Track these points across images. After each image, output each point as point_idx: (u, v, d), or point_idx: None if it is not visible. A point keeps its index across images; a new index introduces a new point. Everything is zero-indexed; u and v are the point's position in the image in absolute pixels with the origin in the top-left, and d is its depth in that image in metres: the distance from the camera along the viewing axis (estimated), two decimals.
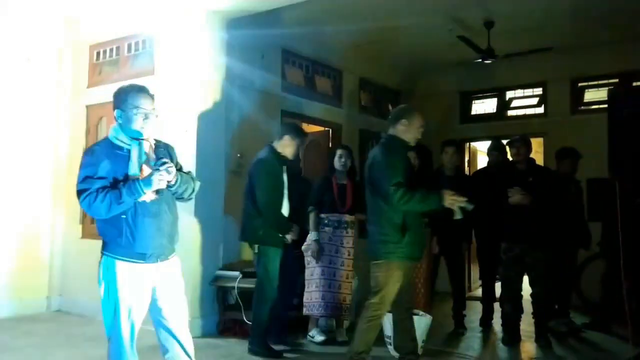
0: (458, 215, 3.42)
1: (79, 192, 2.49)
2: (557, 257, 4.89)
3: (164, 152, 2.68)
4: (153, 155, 2.62)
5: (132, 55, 5.59)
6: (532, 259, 4.50)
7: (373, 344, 3.60)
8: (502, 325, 4.81)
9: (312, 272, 4.68)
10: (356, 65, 7.15)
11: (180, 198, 2.74)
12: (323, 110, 6.64)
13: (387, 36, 6.54)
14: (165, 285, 2.66)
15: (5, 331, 4.88)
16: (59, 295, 5.88)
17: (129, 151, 2.56)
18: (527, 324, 4.75)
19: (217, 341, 4.64)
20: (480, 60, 6.44)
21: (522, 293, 4.68)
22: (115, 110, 2.60)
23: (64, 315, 5.68)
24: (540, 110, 7.49)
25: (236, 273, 4.80)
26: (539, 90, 7.51)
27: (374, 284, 3.52)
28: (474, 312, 5.49)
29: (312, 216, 4.69)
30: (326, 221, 4.74)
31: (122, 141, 2.58)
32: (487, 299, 5.34)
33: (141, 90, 2.64)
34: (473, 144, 8.14)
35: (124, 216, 2.51)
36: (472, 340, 4.89)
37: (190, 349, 2.75)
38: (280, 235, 4.28)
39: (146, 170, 2.53)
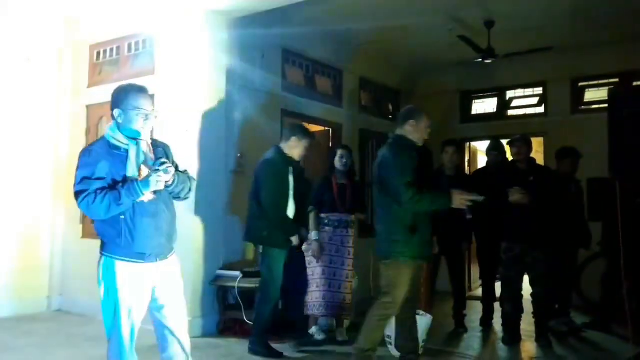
0: (467, 215, 3.45)
1: (77, 193, 2.47)
2: (558, 256, 4.89)
3: (162, 152, 2.68)
4: (151, 155, 2.61)
5: (133, 55, 5.59)
6: (533, 259, 4.50)
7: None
8: (502, 325, 4.81)
9: (313, 271, 4.68)
10: (356, 65, 7.15)
11: (177, 197, 2.74)
12: (323, 110, 6.64)
13: (388, 36, 6.54)
14: (164, 285, 2.66)
15: (6, 331, 4.88)
16: (59, 295, 5.89)
17: (126, 151, 2.55)
18: (527, 324, 4.75)
19: (218, 341, 4.64)
20: (480, 60, 6.44)
21: (523, 293, 4.68)
22: (115, 110, 2.59)
23: (64, 315, 5.68)
24: (541, 110, 7.49)
25: (237, 273, 4.80)
26: (539, 90, 7.51)
27: (385, 283, 3.53)
28: (475, 311, 5.49)
29: (312, 216, 4.69)
30: (326, 221, 4.74)
31: (119, 141, 2.56)
32: (488, 299, 5.34)
33: (141, 90, 2.64)
34: (473, 143, 8.14)
35: (122, 216, 2.50)
36: (473, 340, 4.89)
37: (188, 348, 2.75)
38: (285, 237, 4.25)
39: (144, 171, 2.53)
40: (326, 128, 6.90)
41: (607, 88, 6.73)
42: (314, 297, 4.66)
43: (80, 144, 5.70)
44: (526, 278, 4.68)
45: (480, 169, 6.69)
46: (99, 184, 2.47)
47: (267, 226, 4.19)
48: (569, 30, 6.36)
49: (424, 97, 7.94)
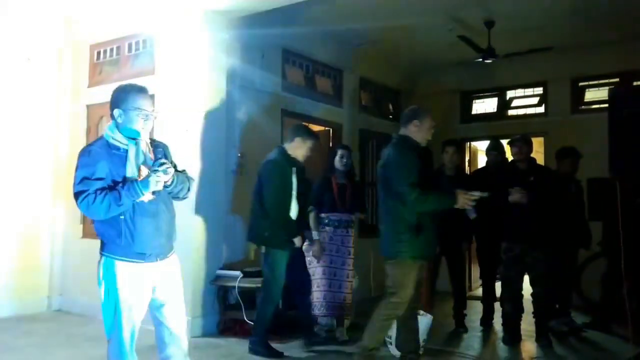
0: (472, 215, 3.48)
1: (77, 194, 2.46)
2: (558, 256, 4.89)
3: (161, 152, 2.67)
4: (151, 155, 2.61)
5: (133, 55, 5.59)
6: (533, 259, 4.50)
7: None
8: (502, 324, 4.81)
9: (313, 272, 4.68)
10: (356, 64, 7.15)
11: (176, 197, 2.73)
12: (323, 110, 6.64)
13: (388, 36, 6.55)
14: (165, 284, 2.66)
15: (6, 331, 4.88)
16: (59, 294, 5.88)
17: (126, 151, 2.55)
18: (527, 324, 4.75)
19: (218, 341, 4.64)
20: (480, 59, 6.44)
21: (523, 292, 4.68)
22: (115, 110, 2.58)
23: (64, 314, 5.68)
24: (541, 109, 7.49)
25: (237, 273, 4.80)
26: (539, 90, 7.51)
27: (391, 283, 3.54)
28: (475, 311, 5.49)
29: (312, 216, 4.69)
30: (326, 221, 4.75)
31: (119, 141, 2.56)
32: (488, 299, 5.34)
33: (142, 90, 2.64)
34: (473, 143, 8.14)
35: (122, 217, 2.50)
36: (473, 340, 4.89)
37: (186, 348, 2.75)
38: (287, 238, 4.24)
39: (144, 171, 2.52)
40: (326, 128, 6.90)
41: (607, 88, 6.74)
42: (315, 297, 4.67)
43: (80, 144, 5.70)
44: (526, 278, 4.67)
45: (479, 168, 6.69)
46: (98, 184, 2.47)
47: (270, 227, 4.18)
48: (569, 30, 6.36)
49: (424, 97, 7.93)
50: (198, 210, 4.83)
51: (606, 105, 4.59)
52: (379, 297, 6.61)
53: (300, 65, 6.44)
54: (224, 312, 4.93)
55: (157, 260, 2.61)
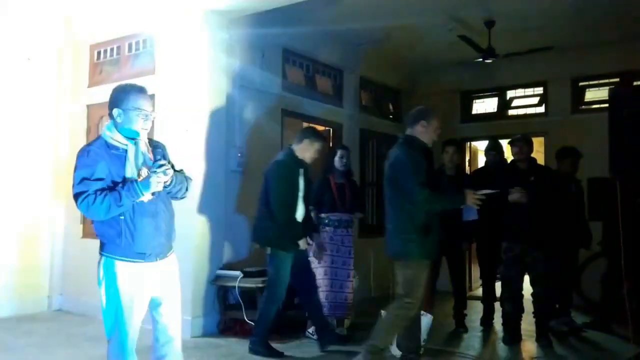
0: (472, 216, 3.52)
1: (77, 195, 2.45)
2: (558, 256, 4.89)
3: (161, 152, 2.67)
4: (150, 156, 2.60)
5: (133, 54, 5.59)
6: (533, 259, 4.50)
7: None
8: (502, 324, 4.81)
9: (315, 272, 4.67)
10: (357, 64, 7.14)
11: (174, 197, 2.73)
12: (323, 109, 6.64)
13: (388, 36, 6.55)
14: (164, 283, 2.67)
15: (6, 330, 4.89)
16: (59, 294, 5.89)
17: (125, 151, 2.54)
18: (527, 324, 4.75)
19: (218, 340, 4.64)
20: (480, 59, 6.44)
21: (523, 292, 4.68)
22: (114, 109, 2.57)
23: (65, 314, 5.68)
24: (541, 109, 7.49)
25: (237, 272, 4.80)
26: (539, 90, 7.51)
27: (403, 284, 3.54)
28: (475, 311, 5.49)
29: (312, 216, 4.69)
30: (326, 221, 4.75)
31: (118, 141, 2.55)
32: (488, 299, 5.34)
33: (141, 91, 2.63)
34: (474, 143, 8.14)
35: (122, 217, 2.49)
36: (473, 340, 4.89)
37: (180, 348, 2.76)
38: (292, 240, 4.23)
39: (144, 172, 2.52)
40: (326, 128, 6.90)
41: (607, 88, 6.74)
42: None
43: (80, 144, 5.65)
44: (526, 278, 4.67)
45: (479, 169, 6.69)
46: (98, 185, 2.46)
47: (275, 228, 4.18)
48: (569, 30, 6.36)
49: (424, 97, 7.93)
50: (198, 210, 4.83)
51: (606, 105, 4.59)
52: (379, 297, 6.66)
53: (300, 65, 6.45)
54: (224, 312, 4.93)
55: (157, 260, 2.61)
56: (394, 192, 3.56)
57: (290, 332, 4.75)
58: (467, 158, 7.97)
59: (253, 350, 4.22)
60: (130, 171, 2.52)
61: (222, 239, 5.06)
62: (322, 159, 5.30)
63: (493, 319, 5.31)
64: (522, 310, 4.68)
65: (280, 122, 5.96)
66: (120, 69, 5.64)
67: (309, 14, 5.66)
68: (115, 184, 2.49)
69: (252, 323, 4.51)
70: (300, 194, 4.30)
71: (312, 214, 4.68)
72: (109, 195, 2.43)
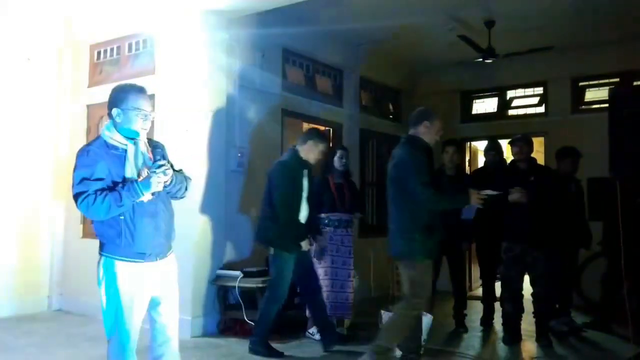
0: (470, 214, 3.56)
1: (77, 195, 2.44)
2: (558, 256, 4.89)
3: (160, 152, 2.66)
4: (150, 155, 2.60)
5: (133, 54, 5.59)
6: (533, 259, 4.49)
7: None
8: (502, 324, 4.81)
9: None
10: (356, 64, 7.14)
11: (174, 196, 2.73)
12: (323, 109, 6.64)
13: (388, 35, 6.55)
14: (163, 283, 2.67)
15: (6, 330, 4.89)
16: (59, 294, 5.89)
17: (124, 151, 2.54)
18: (527, 324, 4.75)
19: (218, 340, 4.64)
20: (480, 59, 6.44)
21: (523, 292, 4.68)
22: (113, 109, 2.56)
23: (65, 314, 5.68)
24: (541, 109, 7.49)
25: (237, 272, 4.80)
26: (539, 90, 7.51)
27: (410, 284, 3.54)
28: (475, 311, 5.49)
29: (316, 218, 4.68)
30: (326, 221, 4.75)
31: (117, 141, 2.54)
32: (488, 299, 5.34)
33: (141, 91, 2.63)
34: (474, 143, 8.14)
35: (122, 217, 2.49)
36: (473, 340, 4.89)
37: (177, 348, 2.76)
38: (295, 241, 4.21)
39: (144, 173, 2.52)
40: (326, 128, 6.90)
41: (607, 88, 6.74)
42: None
43: (80, 144, 5.63)
44: (526, 278, 4.67)
45: (478, 169, 6.69)
46: (98, 185, 2.45)
47: (278, 228, 4.17)
48: (569, 30, 6.36)
49: (424, 97, 7.94)
50: (198, 210, 4.83)
51: (606, 105, 4.59)
52: (379, 297, 6.66)
53: (300, 65, 6.45)
54: (225, 312, 4.93)
55: (156, 260, 2.61)
56: (398, 192, 3.57)
57: (290, 332, 4.74)
58: (467, 158, 7.96)
59: (253, 350, 4.21)
60: (130, 171, 2.52)
61: (222, 238, 5.06)
62: (321, 159, 5.31)
63: (493, 319, 5.31)
64: (522, 310, 4.68)
65: (280, 122, 5.96)
66: (120, 69, 5.64)
67: (309, 14, 5.66)
68: (115, 184, 2.48)
69: (252, 323, 4.51)
70: (304, 194, 4.29)
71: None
72: (109, 195, 2.43)
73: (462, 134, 7.64)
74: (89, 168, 2.47)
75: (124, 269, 2.53)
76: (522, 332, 4.73)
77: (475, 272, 6.63)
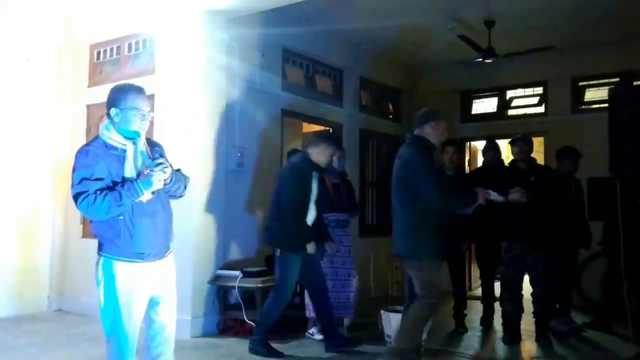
0: (468, 211, 3.61)
1: (77, 195, 2.43)
2: (558, 256, 4.89)
3: (158, 151, 2.66)
4: (149, 155, 2.60)
5: (133, 54, 5.60)
6: (533, 258, 4.49)
7: (372, 343, 3.60)
8: (502, 324, 4.81)
9: None
10: (356, 64, 7.15)
11: (173, 196, 2.73)
12: (323, 109, 6.64)
13: (388, 35, 6.55)
14: (162, 283, 2.66)
15: (6, 330, 4.89)
16: (59, 294, 5.89)
17: (123, 151, 2.53)
18: (527, 323, 4.75)
19: (218, 340, 4.64)
20: (480, 59, 6.44)
21: (523, 292, 4.68)
22: (112, 109, 2.55)
23: (65, 314, 5.68)
24: (541, 109, 7.49)
25: (237, 272, 4.80)
26: (539, 90, 7.52)
27: (421, 284, 3.54)
28: (475, 311, 5.49)
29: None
30: (325, 221, 4.74)
31: (116, 141, 2.54)
32: (487, 299, 5.34)
33: (140, 91, 2.62)
34: (473, 143, 8.14)
35: (121, 217, 2.48)
36: (473, 340, 4.89)
37: (172, 348, 2.76)
38: (301, 243, 4.19)
39: (144, 172, 2.52)
40: (326, 128, 6.90)
41: (607, 88, 6.73)
42: None
43: (80, 144, 5.63)
44: (526, 278, 4.67)
45: (476, 169, 6.69)
46: (98, 185, 2.44)
47: (284, 230, 4.16)
48: (569, 30, 6.36)
49: (424, 96, 7.96)
50: (198, 210, 4.83)
51: (606, 105, 4.59)
52: (379, 297, 6.66)
53: (300, 65, 6.45)
54: (224, 312, 4.93)
55: (155, 260, 2.61)
56: (405, 191, 3.57)
57: (290, 332, 4.74)
58: (467, 158, 7.96)
59: (253, 350, 4.21)
60: (129, 171, 2.51)
61: (222, 238, 5.06)
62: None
63: (493, 319, 5.31)
64: (522, 310, 4.68)
65: (280, 122, 5.96)
66: (120, 69, 5.64)
67: (309, 14, 5.66)
68: (114, 184, 2.48)
69: (252, 323, 4.51)
70: (313, 198, 4.28)
71: None
72: (109, 194, 2.42)
73: (461, 134, 7.63)
74: (88, 168, 2.46)
75: (122, 269, 2.52)
76: (522, 332, 4.73)
77: (475, 272, 6.62)
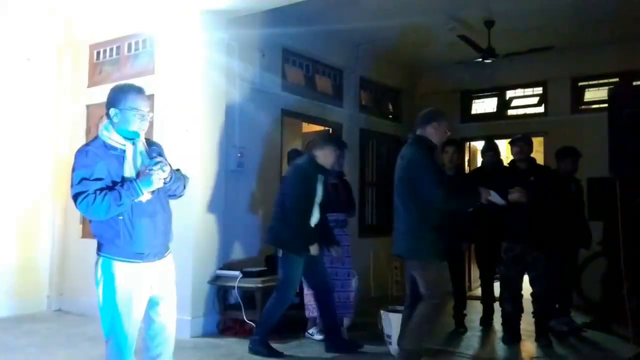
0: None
1: (76, 195, 2.43)
2: (558, 256, 4.89)
3: (156, 150, 2.65)
4: (146, 154, 2.60)
5: (133, 54, 5.60)
6: (533, 258, 4.49)
7: (372, 343, 3.59)
8: (502, 324, 4.81)
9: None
10: (356, 64, 7.15)
11: (173, 195, 2.72)
12: (323, 109, 6.64)
13: (388, 35, 6.55)
14: (162, 283, 2.66)
15: (6, 330, 4.88)
16: (59, 294, 5.88)
17: (123, 151, 2.53)
18: (527, 323, 4.75)
19: (218, 340, 4.64)
20: (480, 59, 6.44)
21: (523, 292, 4.68)
22: (111, 109, 2.56)
23: (64, 314, 5.68)
24: (541, 109, 7.49)
25: (236, 273, 4.80)
26: (539, 90, 7.52)
27: (426, 285, 3.54)
28: (475, 311, 5.49)
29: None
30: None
31: (116, 141, 2.54)
32: (487, 299, 5.34)
33: (139, 91, 2.62)
34: (473, 143, 8.14)
35: (121, 217, 2.48)
36: (473, 340, 4.89)
37: (172, 347, 2.76)
38: (304, 244, 4.18)
39: (142, 171, 2.52)
40: (326, 128, 6.90)
41: (607, 88, 6.73)
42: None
43: (80, 144, 5.65)
44: (526, 278, 4.67)
45: (475, 169, 6.70)
46: (97, 185, 2.44)
47: (288, 231, 4.16)
48: (568, 30, 6.36)
49: (424, 96, 7.96)
50: (198, 210, 4.83)
51: (606, 105, 4.59)
52: (379, 297, 6.65)
53: (300, 65, 6.45)
54: (224, 312, 4.93)
55: (154, 260, 2.61)
56: (408, 191, 3.57)
57: (290, 332, 4.74)
58: (467, 158, 7.96)
59: (253, 350, 4.21)
60: (128, 171, 2.51)
61: (221, 239, 5.05)
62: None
63: (492, 319, 5.31)
64: (521, 310, 4.68)
65: (280, 122, 5.96)
66: (120, 69, 5.64)
67: (309, 14, 5.66)
68: (114, 184, 2.48)
69: (252, 323, 4.51)
70: (318, 200, 4.27)
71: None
72: (108, 194, 2.42)
73: (461, 134, 7.63)
74: (88, 168, 2.46)
75: (122, 269, 2.52)
76: (522, 332, 4.72)
77: (475, 272, 6.62)
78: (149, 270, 2.59)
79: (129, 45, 5.62)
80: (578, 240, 5.16)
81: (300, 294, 4.83)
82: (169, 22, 5.16)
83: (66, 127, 6.00)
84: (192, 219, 4.78)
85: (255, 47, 5.58)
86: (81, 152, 2.51)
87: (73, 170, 2.48)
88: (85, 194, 2.41)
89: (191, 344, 4.46)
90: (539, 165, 4.91)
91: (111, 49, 5.78)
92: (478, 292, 6.10)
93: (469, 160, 8.00)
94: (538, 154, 6.60)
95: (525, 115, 7.62)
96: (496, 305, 5.19)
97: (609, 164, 3.79)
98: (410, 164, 3.57)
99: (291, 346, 4.49)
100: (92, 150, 2.51)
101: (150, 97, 4.22)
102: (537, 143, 6.96)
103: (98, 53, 5.90)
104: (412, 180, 3.53)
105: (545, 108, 7.41)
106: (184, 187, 2.75)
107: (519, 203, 4.35)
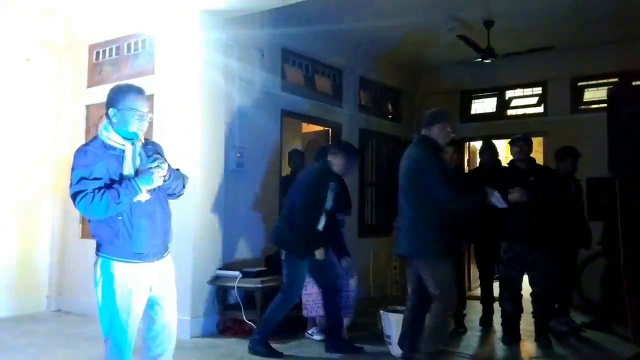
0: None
1: (75, 194, 2.43)
2: (558, 256, 4.88)
3: (151, 149, 2.65)
4: (144, 153, 2.60)
5: (132, 54, 5.59)
6: (533, 258, 4.49)
7: (371, 343, 3.58)
8: (502, 324, 4.80)
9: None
10: (356, 64, 7.15)
11: (172, 194, 2.72)
12: (323, 109, 6.64)
13: (388, 35, 6.55)
14: (162, 283, 2.66)
15: (6, 330, 4.88)
16: (59, 294, 5.88)
17: (122, 151, 2.53)
18: (527, 323, 4.75)
19: (218, 341, 4.64)
20: (480, 59, 6.44)
21: (522, 292, 4.68)
22: (110, 109, 2.56)
23: (64, 314, 5.68)
24: (540, 109, 7.49)
25: (236, 273, 4.80)
26: (538, 90, 7.52)
27: (435, 285, 3.54)
28: (474, 311, 5.49)
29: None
30: None
31: (115, 141, 2.54)
32: (486, 299, 5.34)
33: (138, 91, 2.62)
34: (473, 143, 8.14)
35: (120, 217, 2.48)
36: (472, 340, 4.89)
37: (173, 347, 2.76)
38: (309, 248, 4.17)
39: (141, 169, 2.52)
40: (326, 128, 6.90)
41: (606, 88, 6.73)
42: (314, 298, 4.64)
43: (80, 144, 5.67)
44: (526, 278, 4.67)
45: (474, 169, 6.70)
46: (96, 184, 2.44)
47: (294, 233, 4.15)
48: (568, 30, 6.36)
49: (424, 96, 7.96)
50: (197, 210, 4.82)
51: (605, 105, 4.59)
52: (379, 297, 6.65)
53: (300, 65, 6.45)
54: (224, 312, 4.93)
55: (154, 261, 2.61)
56: (414, 191, 3.57)
57: (290, 332, 4.74)
58: (466, 158, 7.96)
59: (253, 350, 4.20)
60: (127, 171, 2.51)
61: (221, 239, 5.05)
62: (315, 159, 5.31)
63: (492, 319, 5.31)
64: (521, 310, 4.68)
65: (279, 122, 5.96)
66: (120, 69, 5.64)
67: (309, 14, 5.66)
68: (112, 182, 2.48)
69: (252, 323, 4.50)
70: (327, 206, 4.26)
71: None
72: (107, 193, 2.41)
73: (461, 134, 7.61)
74: (87, 168, 2.46)
75: (121, 269, 2.52)
76: (522, 332, 4.72)
77: (475, 272, 6.62)
78: (148, 271, 2.59)
79: (129, 46, 5.62)
80: (578, 240, 5.16)
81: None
82: (168, 22, 5.16)
83: (66, 127, 6.00)
84: (192, 219, 4.78)
85: (255, 47, 5.58)
86: (80, 152, 2.51)
87: (72, 169, 2.48)
88: (84, 193, 2.41)
89: (191, 344, 4.46)
90: (539, 165, 4.91)
91: (111, 49, 5.78)
92: (478, 292, 6.10)
93: (468, 160, 8.00)
94: (538, 154, 6.60)
95: (524, 115, 7.62)
96: (496, 305, 5.19)
97: (608, 164, 3.78)
98: (416, 164, 3.58)
99: (291, 346, 4.49)
100: (91, 150, 2.51)
101: (150, 97, 4.23)
102: (537, 143, 6.96)
103: (98, 53, 5.90)
104: (417, 181, 3.54)
105: (545, 108, 7.42)
106: (183, 186, 2.75)
107: (518, 203, 4.35)
